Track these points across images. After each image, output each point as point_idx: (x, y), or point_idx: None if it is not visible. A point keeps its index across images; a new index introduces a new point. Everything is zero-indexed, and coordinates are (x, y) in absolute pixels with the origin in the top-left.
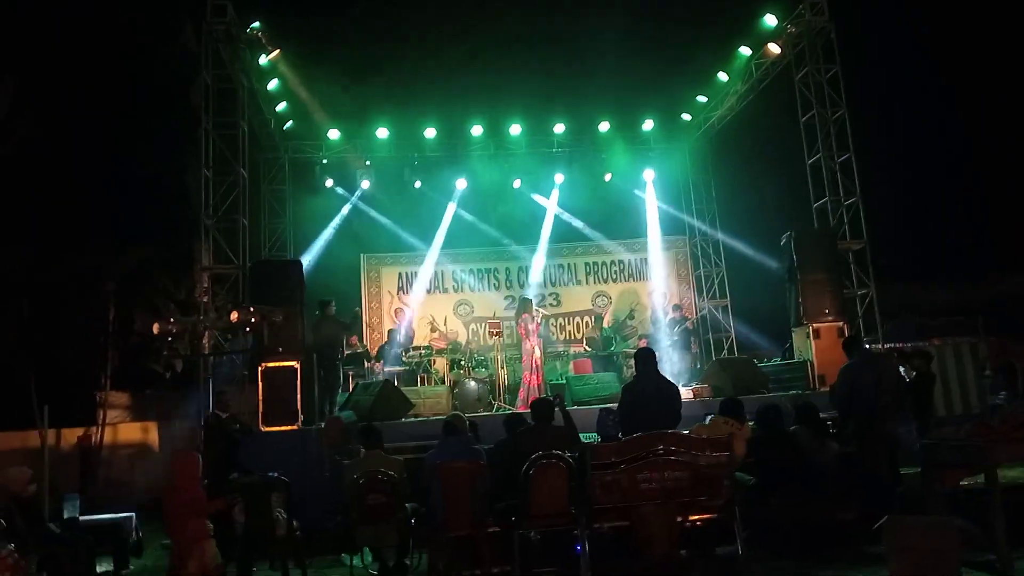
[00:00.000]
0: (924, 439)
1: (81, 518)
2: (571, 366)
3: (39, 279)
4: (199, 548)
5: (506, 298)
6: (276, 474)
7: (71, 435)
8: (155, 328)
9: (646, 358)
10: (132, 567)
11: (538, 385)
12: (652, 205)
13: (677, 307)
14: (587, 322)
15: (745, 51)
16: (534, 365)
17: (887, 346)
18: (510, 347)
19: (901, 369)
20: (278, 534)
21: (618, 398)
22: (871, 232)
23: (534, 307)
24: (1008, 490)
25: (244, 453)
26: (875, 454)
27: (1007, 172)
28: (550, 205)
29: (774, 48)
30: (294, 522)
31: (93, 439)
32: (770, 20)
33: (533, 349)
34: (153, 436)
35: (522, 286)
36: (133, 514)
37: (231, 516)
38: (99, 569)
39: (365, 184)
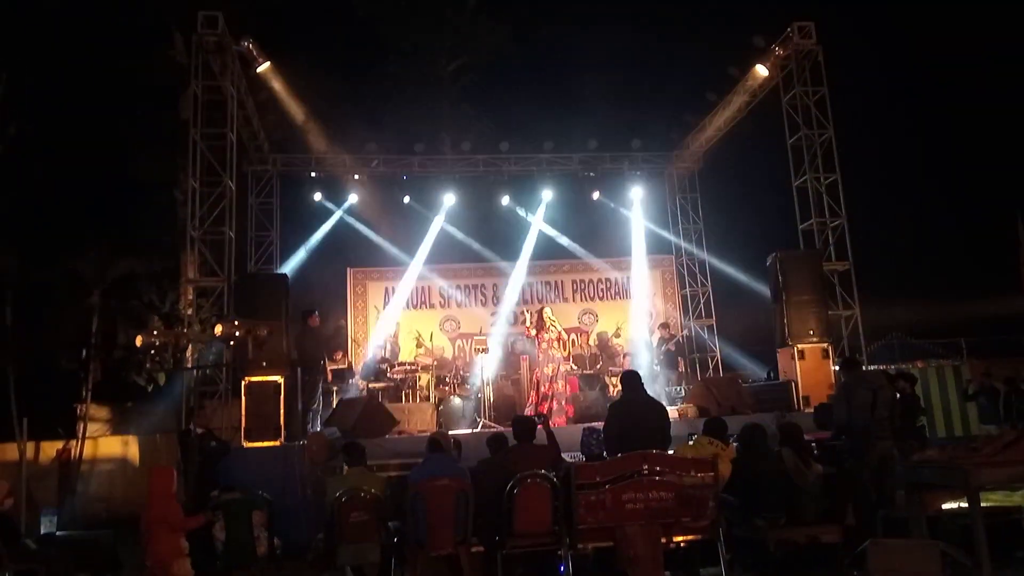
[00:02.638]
0: (908, 461)
1: (58, 533)
2: None
3: (22, 287)
4: (176, 565)
5: (492, 314)
6: (258, 491)
7: (50, 448)
8: (138, 340)
9: (632, 380)
10: None
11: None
12: (639, 224)
13: (664, 326)
14: (573, 340)
15: (733, 73)
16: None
17: (872, 368)
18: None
19: None
20: (259, 552)
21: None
22: (856, 253)
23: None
24: (990, 513)
25: (225, 469)
26: (868, 473)
27: (991, 194)
28: (537, 222)
29: (762, 70)
30: (275, 540)
31: (72, 453)
32: (758, 42)
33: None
34: (134, 450)
35: (508, 303)
36: (111, 531)
37: (211, 533)
38: None
39: (353, 198)
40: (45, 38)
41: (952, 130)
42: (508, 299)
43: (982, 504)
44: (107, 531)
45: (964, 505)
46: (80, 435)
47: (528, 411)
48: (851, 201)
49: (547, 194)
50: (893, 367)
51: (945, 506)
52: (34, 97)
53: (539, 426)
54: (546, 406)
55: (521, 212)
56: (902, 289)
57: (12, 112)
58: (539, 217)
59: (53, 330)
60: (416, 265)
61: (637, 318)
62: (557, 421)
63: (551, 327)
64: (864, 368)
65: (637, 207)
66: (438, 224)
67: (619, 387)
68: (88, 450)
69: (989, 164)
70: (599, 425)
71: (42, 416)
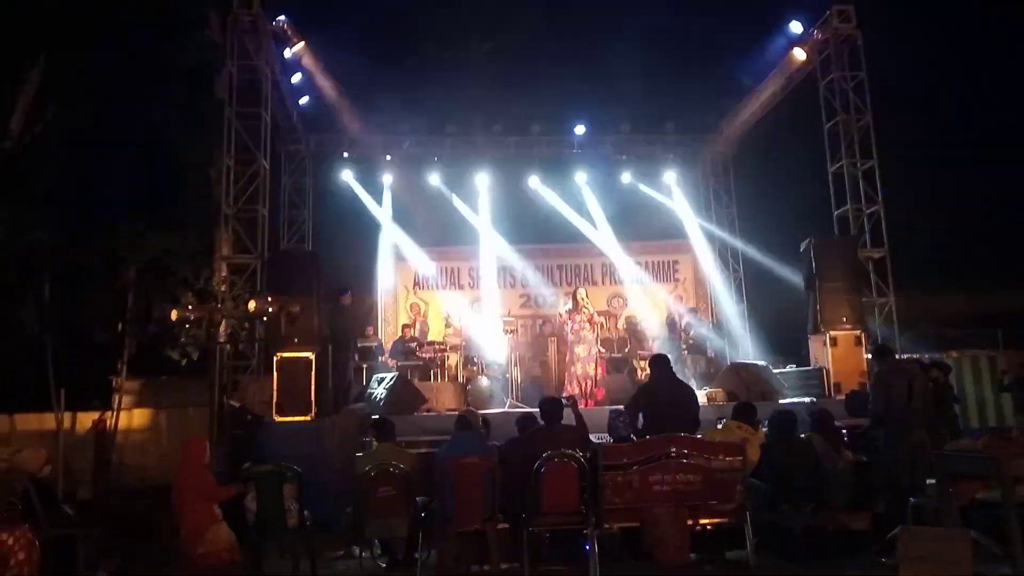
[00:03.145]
0: (940, 450)
1: (94, 501)
2: None
3: (61, 262)
4: (211, 532)
5: (521, 296)
6: (289, 465)
7: (86, 419)
8: (173, 315)
9: (661, 363)
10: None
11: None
12: (670, 208)
13: (693, 310)
14: (602, 323)
15: (771, 56)
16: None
17: (905, 356)
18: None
19: None
20: (289, 524)
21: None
22: (892, 241)
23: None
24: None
25: (258, 443)
26: (903, 462)
27: None
28: (567, 206)
29: (800, 54)
30: (305, 512)
31: (108, 424)
32: (796, 26)
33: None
34: (167, 423)
35: (536, 285)
36: (145, 499)
37: (243, 504)
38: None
39: (385, 179)
40: (82, 19)
41: (992, 117)
42: (536, 281)
43: (1016, 494)
44: (141, 500)
45: (997, 495)
46: (115, 407)
47: (565, 391)
48: (888, 187)
49: (580, 176)
50: (927, 356)
51: (978, 496)
52: (72, 78)
53: (568, 408)
54: (577, 387)
55: (552, 194)
56: (938, 277)
57: (50, 94)
58: (570, 200)
59: (90, 305)
60: (452, 248)
61: (668, 302)
62: (587, 403)
63: (584, 308)
64: (898, 357)
65: (670, 191)
66: (468, 206)
67: (647, 370)
68: (123, 421)
69: None
70: (625, 407)
71: (79, 388)
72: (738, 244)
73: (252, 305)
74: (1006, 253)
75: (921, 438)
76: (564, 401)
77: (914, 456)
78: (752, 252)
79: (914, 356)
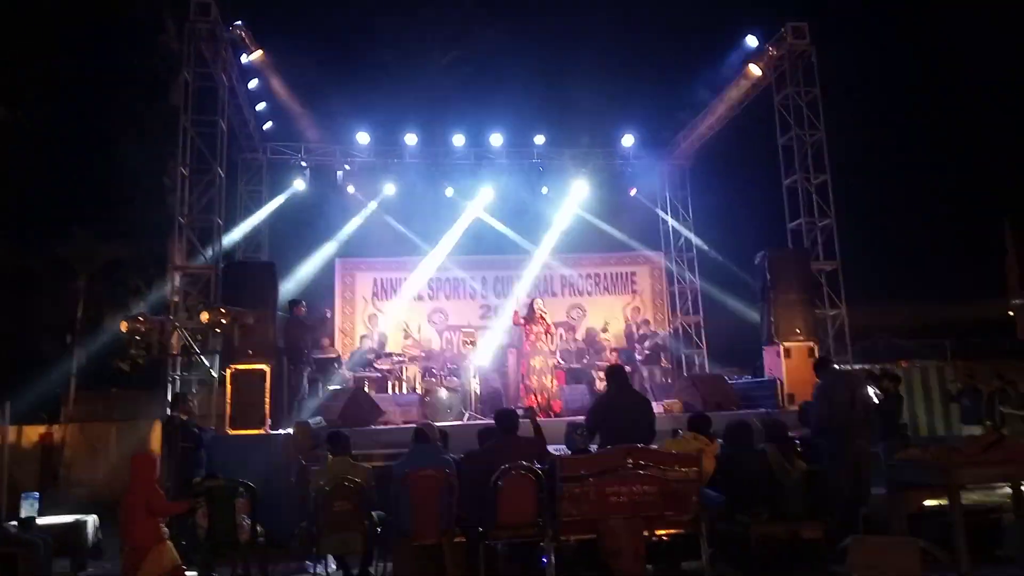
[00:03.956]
0: (890, 460)
1: (39, 518)
2: None
3: (7, 271)
4: (155, 551)
5: (481, 307)
6: (242, 479)
7: (33, 433)
8: (123, 326)
9: (617, 373)
10: (90, 569)
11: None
12: (629, 221)
13: (646, 322)
14: (561, 334)
15: (727, 71)
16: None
17: (856, 367)
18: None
19: (871, 390)
20: (241, 539)
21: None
22: (844, 254)
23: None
24: (970, 512)
25: (209, 457)
26: (845, 471)
27: (979, 199)
28: (527, 217)
29: (755, 70)
30: (258, 527)
31: (55, 437)
32: (752, 42)
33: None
34: (117, 436)
35: (497, 296)
36: (94, 516)
37: (194, 520)
38: (56, 571)
39: (346, 188)
40: (34, 24)
41: (941, 134)
42: (498, 292)
43: (962, 503)
44: (89, 516)
45: (945, 503)
46: (63, 420)
47: (523, 403)
48: (840, 202)
49: (539, 188)
50: (878, 366)
51: (926, 504)
52: (23, 83)
53: (526, 419)
54: (534, 399)
55: (510, 207)
56: (888, 290)
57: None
58: (530, 211)
59: (38, 315)
60: (410, 258)
61: (625, 314)
62: (543, 415)
63: (541, 318)
64: (839, 368)
65: (628, 203)
66: (428, 216)
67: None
68: (71, 435)
69: (978, 168)
70: (583, 419)
71: (25, 401)
72: (694, 256)
73: (205, 316)
74: (953, 266)
75: (862, 447)
76: (522, 413)
77: (857, 463)
78: (708, 264)
79: (865, 367)
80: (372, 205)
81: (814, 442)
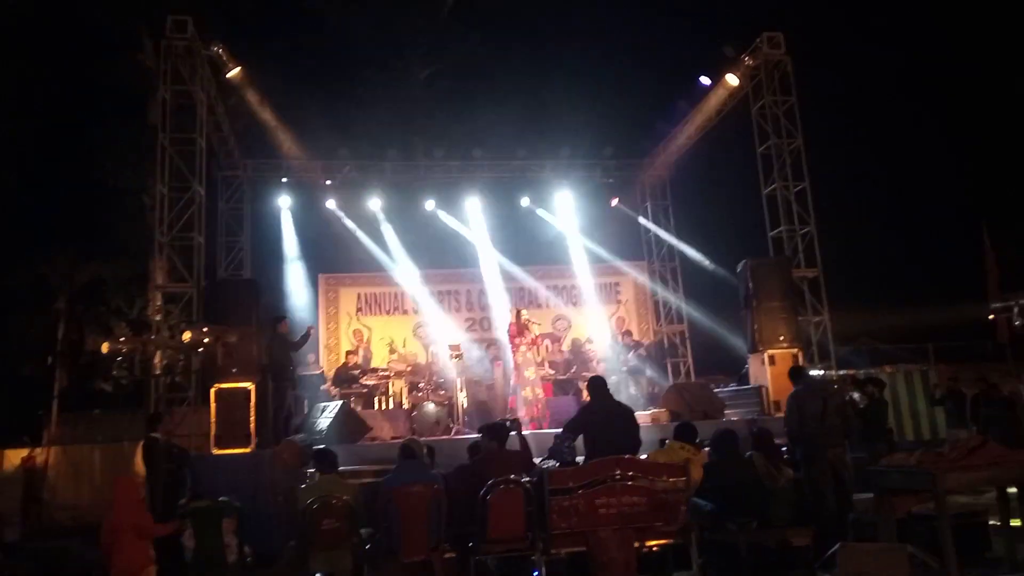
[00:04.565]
0: (876, 466)
1: (23, 543)
2: None
3: None
4: (144, 574)
5: (466, 320)
6: (227, 499)
7: (15, 456)
8: (104, 347)
9: (599, 386)
10: None
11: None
12: (611, 232)
13: (628, 333)
14: (547, 345)
15: (704, 82)
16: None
17: (840, 373)
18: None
19: (855, 395)
20: (229, 560)
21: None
22: (825, 260)
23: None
24: (957, 516)
25: (195, 477)
26: (823, 479)
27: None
28: (508, 229)
29: (732, 79)
30: (246, 548)
31: (38, 461)
32: (728, 52)
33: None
34: (101, 459)
35: (482, 308)
36: (77, 539)
37: (181, 542)
38: None
39: (324, 204)
40: (9, 42)
41: (920, 139)
42: (482, 305)
43: (949, 507)
44: (74, 540)
45: (932, 508)
46: (46, 443)
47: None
48: (820, 209)
49: (520, 200)
50: (862, 372)
51: (914, 509)
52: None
53: (513, 432)
54: (523, 412)
55: (492, 218)
56: (871, 295)
57: None
58: (511, 223)
59: (18, 336)
60: (393, 273)
61: (610, 324)
62: (533, 427)
63: (528, 330)
64: (814, 376)
65: (610, 214)
66: (411, 230)
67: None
68: (54, 458)
69: (957, 173)
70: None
71: (6, 424)
72: (677, 265)
73: (187, 335)
74: (934, 270)
75: (837, 455)
76: (508, 424)
77: (835, 471)
78: (691, 273)
79: (849, 373)
80: (354, 220)
81: (789, 450)
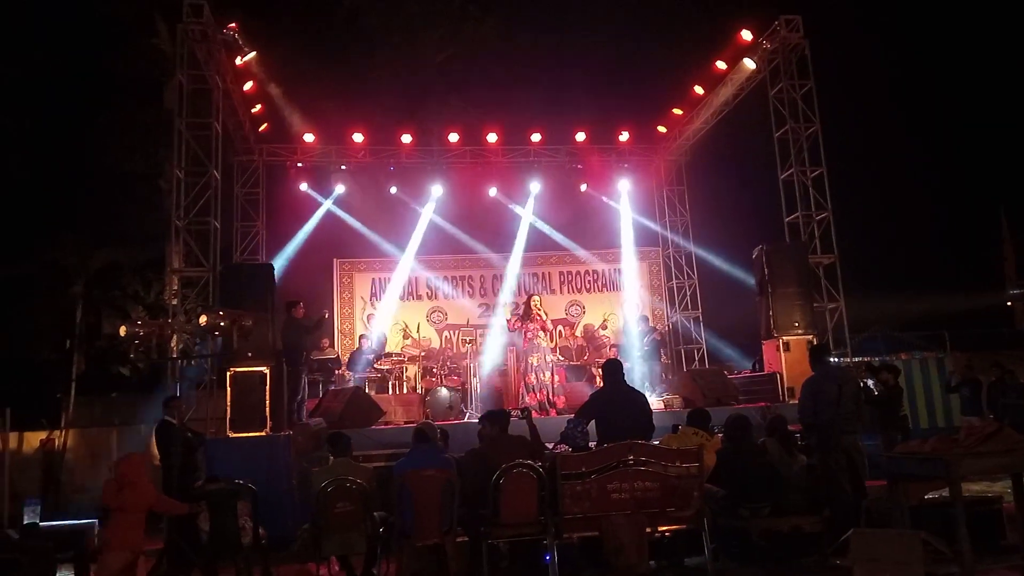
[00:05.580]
0: (891, 452)
1: (42, 524)
2: None
3: (4, 278)
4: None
5: (480, 306)
6: (242, 481)
7: (33, 439)
8: (122, 331)
9: (614, 369)
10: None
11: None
12: (626, 216)
13: (644, 318)
14: (560, 331)
15: (721, 66)
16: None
17: (856, 360)
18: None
19: (870, 382)
20: (244, 542)
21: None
22: (841, 247)
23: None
24: (971, 503)
25: (210, 460)
26: (837, 466)
27: (975, 190)
28: (525, 214)
29: (749, 63)
30: (260, 530)
31: (56, 443)
32: (746, 36)
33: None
34: (118, 441)
35: (496, 293)
36: (96, 520)
37: (196, 524)
38: None
39: (340, 188)
40: (26, 28)
41: (938, 125)
42: (496, 290)
43: (963, 494)
44: (91, 521)
45: (946, 495)
46: (64, 425)
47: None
48: (837, 194)
49: (535, 185)
50: (877, 359)
51: (927, 496)
52: (15, 87)
53: (523, 420)
54: (533, 397)
55: (509, 203)
56: (887, 282)
57: None
58: (527, 209)
59: (36, 321)
60: (403, 256)
61: (623, 310)
62: (543, 413)
63: (537, 315)
64: (833, 362)
65: (624, 199)
66: (426, 215)
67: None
68: (72, 440)
69: (974, 159)
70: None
71: (25, 407)
72: (692, 250)
73: (204, 319)
74: (951, 257)
75: (852, 442)
76: (519, 414)
77: (849, 458)
78: (706, 258)
79: (864, 360)
80: (370, 205)
81: (804, 437)
